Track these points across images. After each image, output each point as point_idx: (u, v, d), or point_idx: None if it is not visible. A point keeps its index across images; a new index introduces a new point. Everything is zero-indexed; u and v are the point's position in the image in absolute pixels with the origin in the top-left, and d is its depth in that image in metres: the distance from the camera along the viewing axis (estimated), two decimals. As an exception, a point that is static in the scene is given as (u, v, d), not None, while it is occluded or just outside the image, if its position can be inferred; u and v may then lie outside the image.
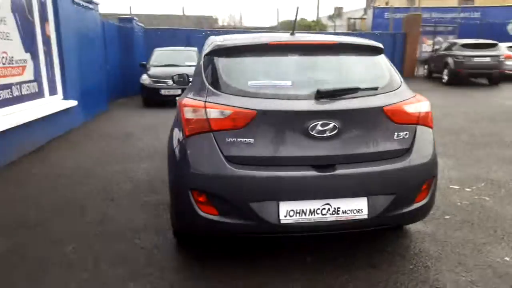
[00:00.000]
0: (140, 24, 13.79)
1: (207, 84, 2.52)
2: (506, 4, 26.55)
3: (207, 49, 2.80)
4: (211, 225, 2.40)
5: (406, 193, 2.46)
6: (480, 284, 2.44)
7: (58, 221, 3.39)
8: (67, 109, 6.95)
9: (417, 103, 2.53)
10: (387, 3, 33.72)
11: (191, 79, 4.63)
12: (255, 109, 2.30)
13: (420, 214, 2.60)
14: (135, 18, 13.15)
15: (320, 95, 2.37)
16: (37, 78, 6.26)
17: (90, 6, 8.78)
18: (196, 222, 2.42)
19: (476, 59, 12.86)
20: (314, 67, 2.65)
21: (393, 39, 16.83)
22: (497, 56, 12.93)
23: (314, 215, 2.33)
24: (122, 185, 4.29)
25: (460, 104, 9.87)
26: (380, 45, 2.80)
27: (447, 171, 4.58)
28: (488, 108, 9.32)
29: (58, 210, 3.62)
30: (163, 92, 10.13)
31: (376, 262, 2.69)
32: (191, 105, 2.45)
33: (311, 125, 2.30)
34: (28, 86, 5.94)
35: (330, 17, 44.18)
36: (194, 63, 11.27)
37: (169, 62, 11.13)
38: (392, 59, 4.01)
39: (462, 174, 4.51)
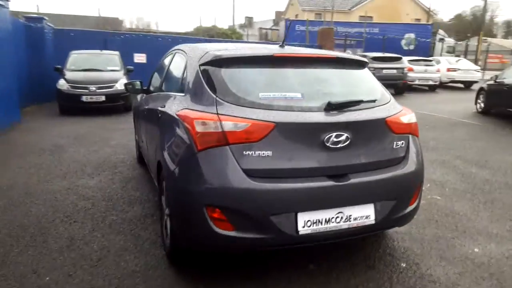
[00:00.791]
0: (50, 24, 12.58)
1: (213, 96, 2.43)
2: (400, 22, 29.98)
3: (201, 59, 2.70)
4: (227, 242, 2.31)
5: (404, 197, 2.66)
6: (467, 274, 2.73)
7: (20, 253, 2.95)
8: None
9: (409, 114, 2.75)
10: (296, 16, 35.66)
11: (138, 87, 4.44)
12: (273, 122, 2.28)
13: (412, 216, 2.82)
14: (45, 17, 11.95)
15: (331, 107, 2.45)
16: None
17: (1, 2, 7.78)
18: (211, 239, 2.31)
19: (384, 71, 14.25)
20: (318, 80, 2.71)
21: (309, 51, 17.80)
22: (402, 68, 14.56)
23: (329, 223, 2.39)
24: (78, 203, 3.88)
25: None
26: (366, 60, 2.99)
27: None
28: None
29: (15, 239, 3.14)
30: (84, 98, 9.36)
31: (373, 264, 2.84)
32: (202, 117, 2.34)
33: (327, 137, 2.35)
34: None
35: (242, 26, 45.24)
36: (118, 68, 10.69)
37: (89, 66, 10.33)
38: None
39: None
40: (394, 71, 14.35)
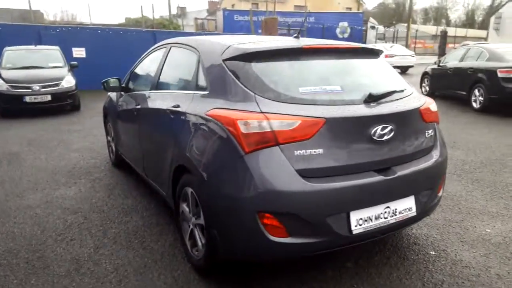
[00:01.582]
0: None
1: (251, 93, 2.24)
2: (334, 11, 30.94)
3: (223, 53, 2.48)
4: (281, 249, 2.16)
5: (436, 186, 2.68)
6: (491, 256, 2.84)
7: (20, 283, 2.54)
8: None
9: (434, 103, 2.76)
10: (233, 6, 35.35)
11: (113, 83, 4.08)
12: (324, 117, 2.15)
13: (439, 203, 2.86)
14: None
15: (372, 99, 2.37)
16: None
17: None
18: (265, 248, 2.15)
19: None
20: (348, 71, 2.62)
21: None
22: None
23: (379, 219, 2.33)
24: (67, 218, 3.46)
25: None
26: (381, 49, 2.96)
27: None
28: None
29: (8, 268, 2.70)
30: (28, 99, 8.49)
31: (404, 255, 2.84)
32: (246, 117, 2.14)
33: (374, 130, 2.28)
34: None
35: (175, 16, 43.92)
36: (61, 65, 9.80)
37: (28, 63, 9.41)
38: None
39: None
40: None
